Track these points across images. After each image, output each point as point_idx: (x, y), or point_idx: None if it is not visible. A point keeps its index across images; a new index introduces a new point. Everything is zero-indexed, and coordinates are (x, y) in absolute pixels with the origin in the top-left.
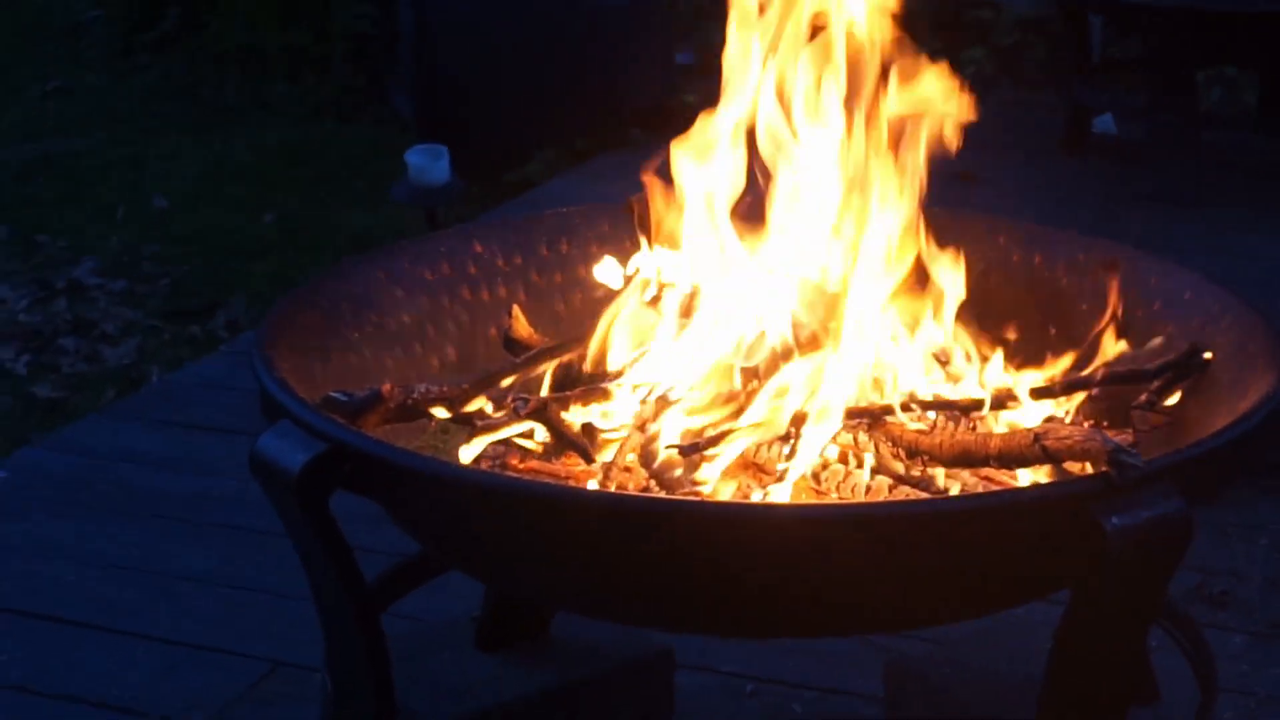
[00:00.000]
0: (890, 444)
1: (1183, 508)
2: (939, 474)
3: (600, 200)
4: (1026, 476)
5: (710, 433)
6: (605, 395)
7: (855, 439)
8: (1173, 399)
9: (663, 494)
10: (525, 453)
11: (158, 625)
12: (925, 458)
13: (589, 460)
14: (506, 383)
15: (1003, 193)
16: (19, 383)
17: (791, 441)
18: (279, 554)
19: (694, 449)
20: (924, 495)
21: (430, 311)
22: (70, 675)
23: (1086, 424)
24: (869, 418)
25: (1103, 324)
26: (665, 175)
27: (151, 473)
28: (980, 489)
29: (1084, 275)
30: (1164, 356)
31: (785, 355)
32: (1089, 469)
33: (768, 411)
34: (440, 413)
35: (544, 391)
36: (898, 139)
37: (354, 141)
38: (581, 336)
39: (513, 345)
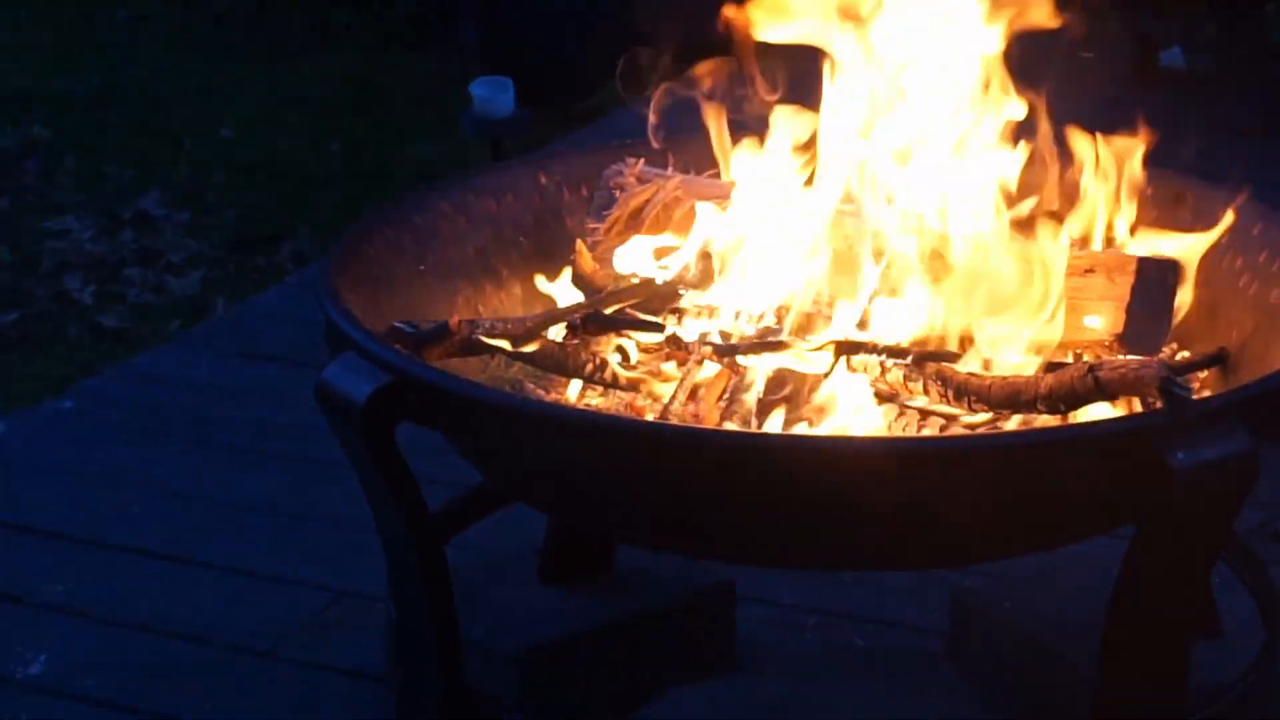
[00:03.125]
0: (939, 384)
1: (1249, 445)
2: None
3: (666, 130)
4: None
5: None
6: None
7: (905, 378)
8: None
9: (732, 427)
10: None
11: (222, 553)
12: (973, 398)
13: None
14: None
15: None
16: (85, 312)
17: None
18: (343, 484)
19: (731, 350)
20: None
21: (494, 244)
22: (134, 603)
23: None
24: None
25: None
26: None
27: (217, 403)
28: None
29: (1153, 208)
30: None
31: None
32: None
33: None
34: (503, 348)
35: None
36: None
37: (421, 72)
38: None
39: (579, 281)
